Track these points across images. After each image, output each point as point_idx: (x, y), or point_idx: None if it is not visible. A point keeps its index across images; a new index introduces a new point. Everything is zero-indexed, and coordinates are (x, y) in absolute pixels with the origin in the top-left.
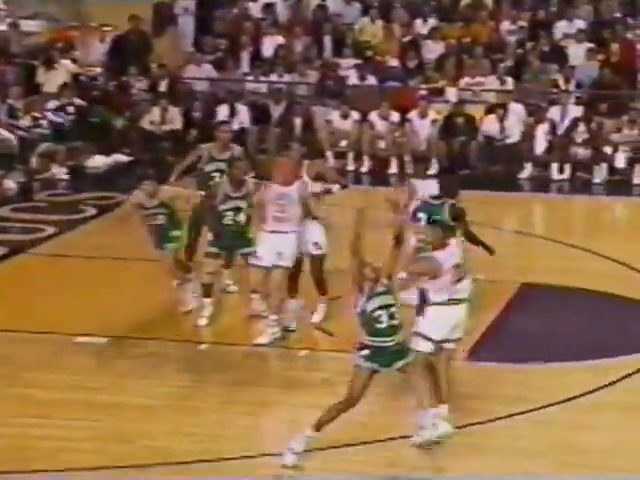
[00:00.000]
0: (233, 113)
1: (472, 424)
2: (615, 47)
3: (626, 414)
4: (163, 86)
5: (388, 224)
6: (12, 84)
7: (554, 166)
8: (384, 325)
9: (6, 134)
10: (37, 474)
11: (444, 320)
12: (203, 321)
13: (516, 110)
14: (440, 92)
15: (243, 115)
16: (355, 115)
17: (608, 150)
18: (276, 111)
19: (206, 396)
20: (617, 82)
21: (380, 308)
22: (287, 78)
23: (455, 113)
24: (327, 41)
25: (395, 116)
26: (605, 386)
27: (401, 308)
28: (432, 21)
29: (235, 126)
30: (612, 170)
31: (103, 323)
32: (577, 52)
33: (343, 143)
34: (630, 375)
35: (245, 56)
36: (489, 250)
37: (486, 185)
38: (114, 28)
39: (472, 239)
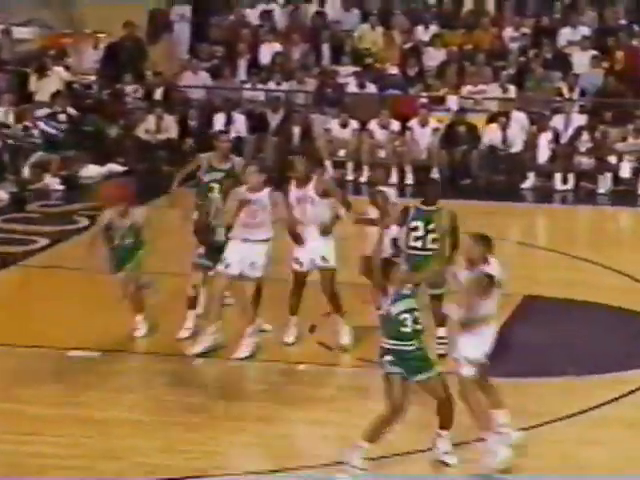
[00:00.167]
0: (230, 122)
1: (475, 440)
2: (620, 55)
3: (632, 430)
4: (158, 94)
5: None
6: (3, 92)
7: (557, 176)
8: (409, 329)
9: None
10: None
11: (485, 340)
12: (184, 333)
13: (519, 119)
14: (441, 100)
15: (240, 124)
16: (354, 124)
17: (613, 159)
18: (274, 120)
19: (200, 412)
20: (622, 90)
21: (405, 312)
22: (285, 86)
23: (456, 122)
24: (325, 48)
25: (395, 125)
26: (611, 401)
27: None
28: (433, 28)
29: (232, 135)
30: (617, 180)
31: (96, 337)
32: (581, 60)
33: (342, 152)
34: (636, 390)
35: (242, 64)
36: None
37: (488, 195)
38: (108, 35)
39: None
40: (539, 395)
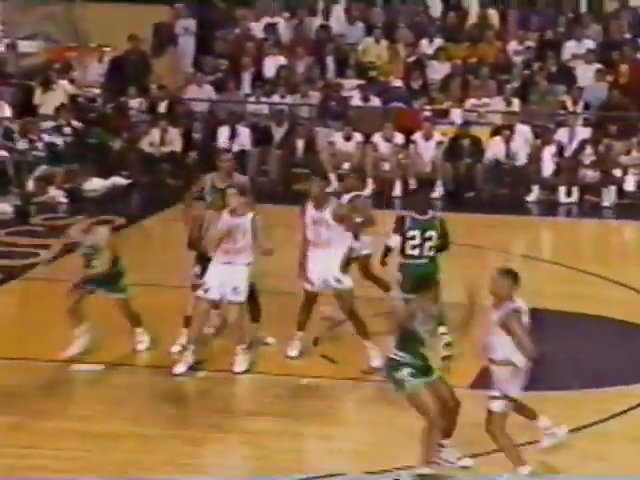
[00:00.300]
0: (234, 135)
1: (476, 455)
2: (624, 68)
3: (636, 444)
4: (163, 107)
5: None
6: (9, 105)
7: (562, 189)
8: (428, 345)
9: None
10: None
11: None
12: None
13: (523, 132)
14: (445, 113)
15: (244, 137)
16: (358, 137)
17: (617, 173)
18: (278, 133)
19: (203, 425)
20: (626, 103)
21: (427, 332)
22: (289, 99)
23: (460, 135)
24: (330, 62)
25: (399, 138)
26: (615, 415)
27: None
28: (438, 41)
29: (236, 148)
30: (621, 193)
31: (99, 350)
32: (586, 73)
33: (346, 165)
34: None
35: (246, 77)
36: None
37: (492, 208)
38: (113, 48)
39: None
40: (543, 409)
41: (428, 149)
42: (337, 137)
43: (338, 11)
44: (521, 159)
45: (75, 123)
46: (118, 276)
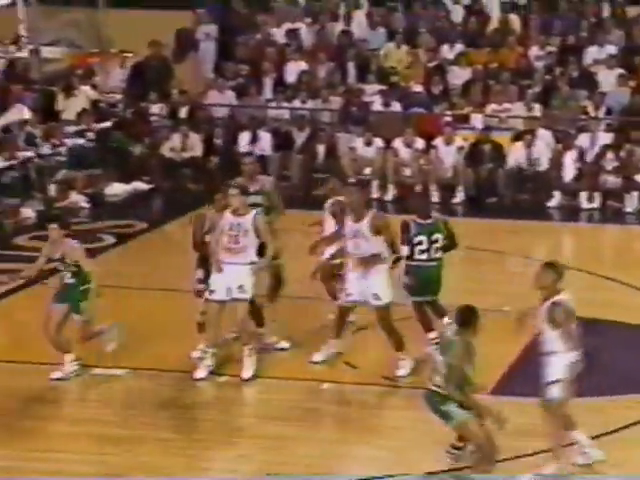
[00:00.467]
0: (255, 140)
1: (499, 461)
2: None
3: None
4: (184, 112)
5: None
6: (31, 110)
7: (583, 194)
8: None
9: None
10: None
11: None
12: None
13: (544, 137)
14: (466, 119)
15: (265, 142)
16: (379, 142)
17: (639, 178)
18: (299, 138)
19: (224, 430)
20: None
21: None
22: (310, 104)
23: (481, 140)
24: (351, 67)
25: (419, 143)
26: (635, 423)
27: None
28: (459, 46)
29: (256, 153)
30: None
31: (121, 354)
32: (607, 78)
33: (367, 170)
34: None
35: (268, 82)
36: None
37: (514, 213)
38: (135, 54)
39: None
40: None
41: (449, 154)
42: (358, 142)
43: (360, 16)
44: (542, 164)
45: (97, 126)
46: (84, 294)
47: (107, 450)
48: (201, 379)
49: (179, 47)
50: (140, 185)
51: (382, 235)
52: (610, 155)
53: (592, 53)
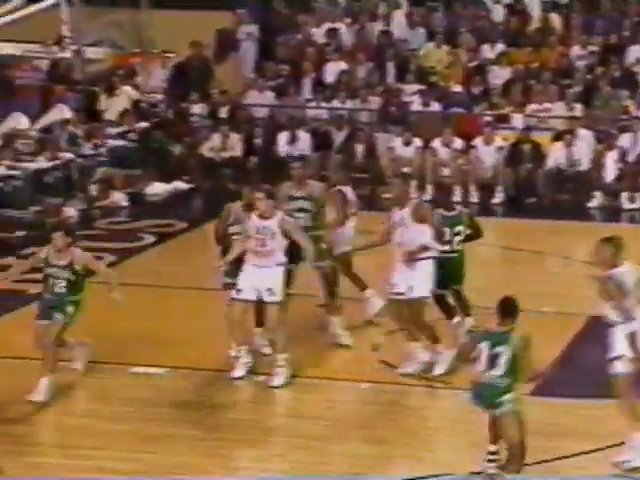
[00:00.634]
0: (294, 140)
1: (538, 462)
2: None
3: None
4: (224, 112)
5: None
6: (74, 111)
7: (624, 195)
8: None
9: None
10: None
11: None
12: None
13: (585, 137)
14: (506, 119)
15: (304, 142)
16: (418, 142)
17: None
18: (338, 138)
19: (262, 429)
20: None
21: None
22: (349, 104)
23: (521, 140)
24: (390, 67)
25: (458, 143)
26: None
27: None
28: (500, 46)
29: (295, 153)
30: None
31: (160, 353)
32: None
33: (406, 170)
34: None
35: (307, 82)
36: None
37: (554, 214)
38: (176, 54)
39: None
40: (601, 417)
41: (489, 154)
42: (397, 142)
43: (399, 16)
44: (583, 164)
45: (139, 125)
46: (73, 304)
47: (144, 448)
48: (239, 378)
49: (220, 47)
50: (180, 185)
51: (425, 223)
52: None
53: (634, 52)
